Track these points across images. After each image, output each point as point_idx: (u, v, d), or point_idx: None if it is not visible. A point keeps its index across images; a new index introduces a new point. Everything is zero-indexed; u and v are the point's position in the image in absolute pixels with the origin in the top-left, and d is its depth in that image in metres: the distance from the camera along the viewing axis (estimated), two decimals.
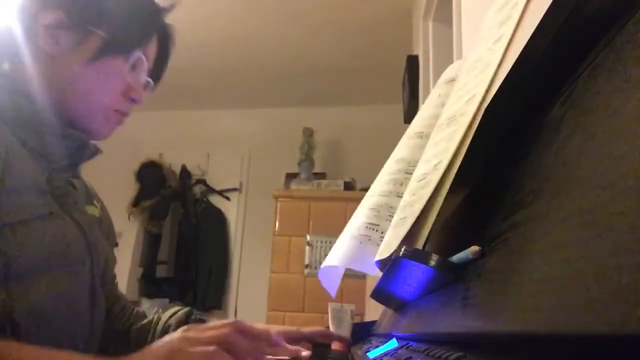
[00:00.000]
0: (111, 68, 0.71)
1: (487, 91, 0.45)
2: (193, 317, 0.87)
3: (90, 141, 0.73)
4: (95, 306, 0.71)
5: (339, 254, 0.75)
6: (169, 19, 0.81)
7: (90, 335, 0.69)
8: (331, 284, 0.85)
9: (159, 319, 0.86)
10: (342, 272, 0.82)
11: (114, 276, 0.86)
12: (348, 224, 0.82)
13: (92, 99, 0.71)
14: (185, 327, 0.56)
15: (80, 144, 0.71)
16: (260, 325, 0.77)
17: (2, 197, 0.56)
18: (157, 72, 0.81)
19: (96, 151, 0.75)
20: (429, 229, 0.46)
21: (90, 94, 0.71)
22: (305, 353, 0.77)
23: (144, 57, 0.74)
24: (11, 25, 0.68)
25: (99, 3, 0.70)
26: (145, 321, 0.86)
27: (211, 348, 0.50)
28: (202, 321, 0.86)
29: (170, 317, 0.86)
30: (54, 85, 0.68)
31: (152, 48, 0.77)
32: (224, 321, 0.57)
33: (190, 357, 0.50)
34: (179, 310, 0.87)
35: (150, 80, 0.78)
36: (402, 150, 0.78)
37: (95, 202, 0.81)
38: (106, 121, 0.73)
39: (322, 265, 0.82)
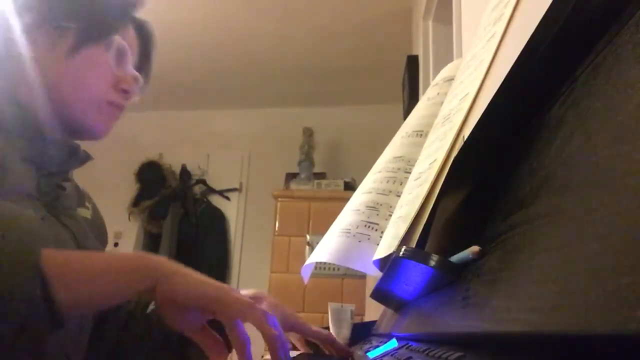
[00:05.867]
0: (93, 58, 0.71)
1: (480, 89, 0.45)
2: None
3: (81, 149, 0.73)
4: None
5: (332, 250, 0.75)
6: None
7: (77, 343, 0.69)
8: (307, 273, 0.87)
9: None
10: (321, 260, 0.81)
11: None
12: (339, 218, 0.82)
13: (81, 93, 0.71)
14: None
15: (70, 150, 0.71)
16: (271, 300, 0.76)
17: None
18: (144, 69, 0.81)
19: (87, 158, 0.75)
20: (422, 228, 0.46)
21: (79, 89, 0.71)
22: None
23: (126, 46, 0.74)
24: None
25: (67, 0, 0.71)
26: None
27: (250, 301, 0.49)
28: None
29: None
30: (41, 87, 0.69)
31: (132, 41, 0.77)
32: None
33: (236, 300, 0.48)
34: None
35: (138, 74, 0.78)
36: (401, 148, 0.78)
37: (86, 203, 0.80)
38: (100, 114, 0.73)
39: (309, 261, 0.82)
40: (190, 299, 0.48)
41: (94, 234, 0.78)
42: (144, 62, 0.81)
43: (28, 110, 0.67)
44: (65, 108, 0.70)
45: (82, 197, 0.81)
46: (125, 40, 0.75)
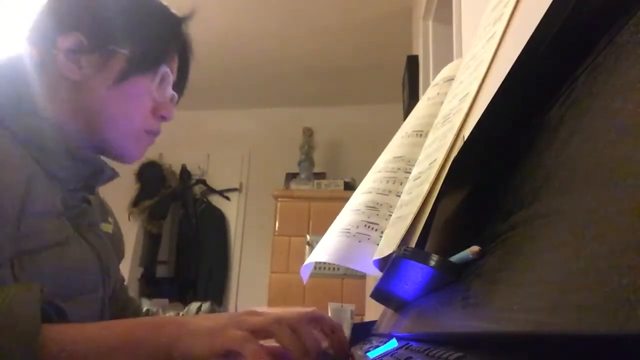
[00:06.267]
0: (139, 88, 0.68)
1: (480, 89, 0.45)
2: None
3: (106, 165, 0.70)
4: None
5: (332, 250, 0.74)
6: None
7: None
8: (306, 273, 0.86)
9: (186, 313, 0.84)
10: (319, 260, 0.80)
11: (122, 280, 0.85)
12: (338, 218, 0.82)
13: (122, 123, 0.68)
14: (252, 309, 0.53)
15: (96, 168, 0.68)
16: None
17: (23, 225, 0.55)
18: (180, 84, 0.78)
19: (113, 175, 0.72)
20: (422, 228, 0.46)
21: (120, 119, 0.68)
22: None
23: (169, 72, 0.72)
24: (30, 51, 0.66)
25: (120, 21, 0.67)
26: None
27: (244, 334, 0.48)
28: None
29: (197, 311, 0.84)
30: (80, 111, 0.66)
31: (174, 62, 0.75)
32: (299, 310, 0.53)
33: (226, 338, 0.47)
34: (200, 306, 0.86)
35: (175, 94, 0.76)
36: (401, 148, 0.78)
37: (109, 218, 0.79)
38: (136, 143, 0.71)
39: (308, 260, 0.81)
40: (207, 356, 0.47)
41: (113, 247, 0.77)
42: (181, 79, 0.78)
43: (59, 128, 0.64)
44: (101, 134, 0.68)
45: (105, 212, 0.80)
46: (168, 63, 0.72)
